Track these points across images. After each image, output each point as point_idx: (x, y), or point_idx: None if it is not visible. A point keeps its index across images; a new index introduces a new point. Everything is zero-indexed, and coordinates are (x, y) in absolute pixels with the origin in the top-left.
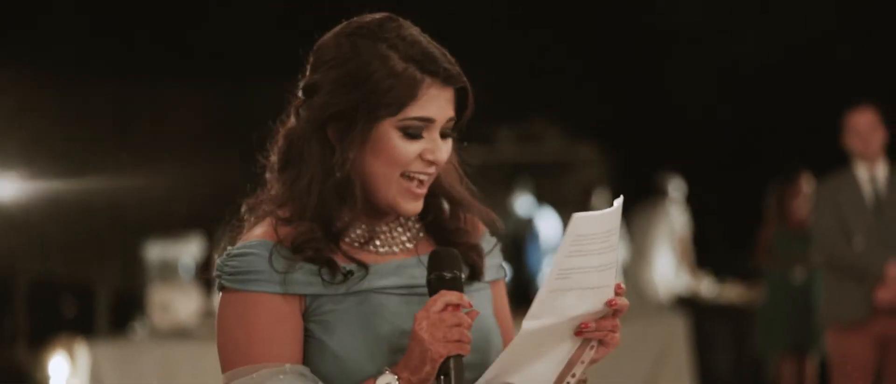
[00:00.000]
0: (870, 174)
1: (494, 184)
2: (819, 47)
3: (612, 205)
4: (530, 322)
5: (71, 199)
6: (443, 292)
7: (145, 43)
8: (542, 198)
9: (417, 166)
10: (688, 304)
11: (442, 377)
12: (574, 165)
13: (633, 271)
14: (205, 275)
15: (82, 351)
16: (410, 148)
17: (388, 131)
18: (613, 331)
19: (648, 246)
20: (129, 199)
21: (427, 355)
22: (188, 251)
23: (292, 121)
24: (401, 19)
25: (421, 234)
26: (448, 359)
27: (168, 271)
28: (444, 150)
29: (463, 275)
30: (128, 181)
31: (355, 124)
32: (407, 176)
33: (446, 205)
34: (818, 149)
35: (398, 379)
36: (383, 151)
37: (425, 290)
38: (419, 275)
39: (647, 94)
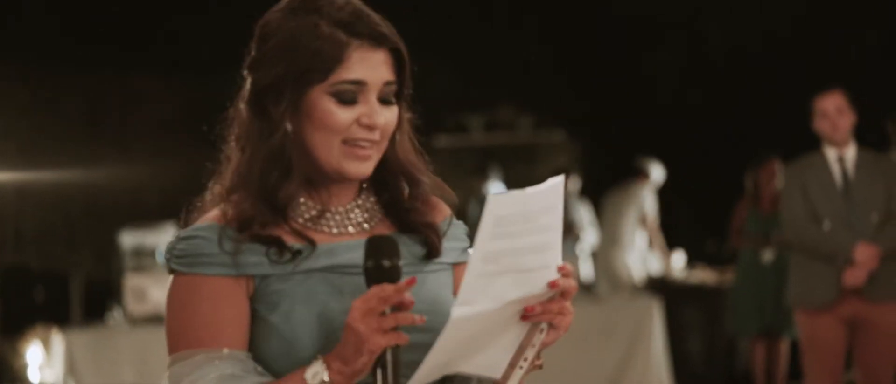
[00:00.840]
0: (839, 157)
1: (466, 170)
2: (790, 32)
3: (581, 189)
4: (460, 309)
5: (43, 190)
6: (377, 287)
7: (114, 34)
8: (514, 183)
9: (356, 132)
10: (660, 287)
11: (379, 369)
12: (544, 151)
13: (605, 254)
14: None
15: (57, 339)
16: (345, 114)
17: (321, 97)
18: (562, 314)
19: (620, 229)
20: (102, 189)
21: (364, 347)
22: (163, 239)
23: (239, 103)
24: None
25: (377, 215)
26: (385, 350)
27: (143, 259)
28: (383, 114)
29: (401, 263)
30: (100, 171)
31: (284, 93)
32: (348, 143)
33: (405, 186)
34: (790, 133)
35: (329, 368)
36: (318, 119)
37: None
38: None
39: (618, 80)
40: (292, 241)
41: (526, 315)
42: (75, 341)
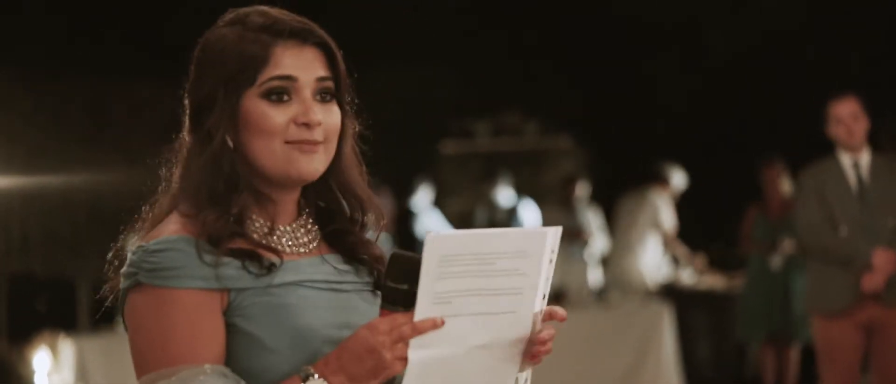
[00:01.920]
0: (853, 162)
1: (473, 176)
2: (795, 36)
3: (590, 195)
4: (416, 352)
5: (49, 196)
6: (407, 316)
7: (120, 38)
8: (521, 189)
9: (295, 133)
10: (669, 293)
11: None
12: (551, 156)
13: (617, 260)
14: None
15: (66, 346)
16: (280, 114)
17: (254, 102)
18: (544, 346)
19: (632, 235)
20: (108, 195)
21: (383, 372)
22: None
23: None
24: (270, 6)
25: (318, 237)
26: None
27: None
28: (320, 112)
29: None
30: (106, 176)
31: (216, 103)
32: (290, 143)
33: (346, 207)
34: (796, 137)
35: (328, 382)
36: (254, 124)
37: (343, 287)
38: (330, 272)
39: (624, 85)
40: (262, 255)
41: (528, 358)
42: (86, 347)
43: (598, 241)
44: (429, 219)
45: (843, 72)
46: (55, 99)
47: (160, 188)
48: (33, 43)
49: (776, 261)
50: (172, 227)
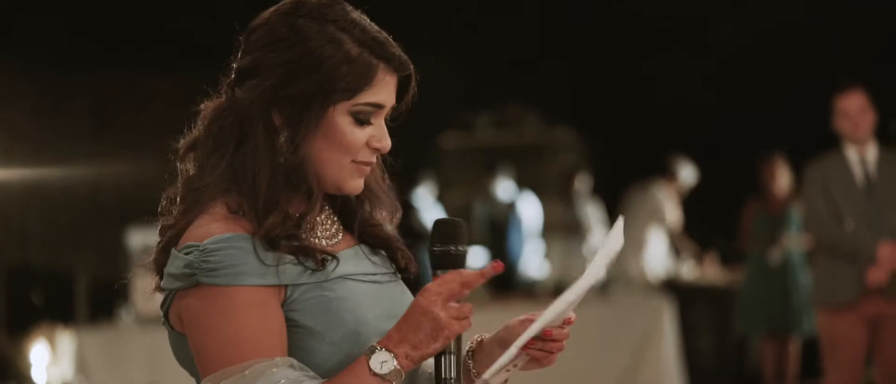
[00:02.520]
0: (860, 156)
1: (473, 169)
2: (798, 30)
3: (591, 188)
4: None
5: (50, 189)
6: (461, 272)
7: (123, 33)
8: (522, 182)
9: (364, 155)
10: (670, 287)
11: (444, 356)
12: (552, 150)
13: (619, 255)
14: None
15: (65, 338)
16: (360, 134)
17: (341, 117)
18: (551, 353)
19: (635, 230)
20: (109, 188)
21: (441, 333)
22: None
23: (222, 101)
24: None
25: (342, 229)
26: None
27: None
28: (388, 137)
29: (466, 251)
30: (107, 170)
31: (309, 109)
32: (356, 162)
33: (366, 203)
34: (799, 131)
35: (394, 354)
36: (334, 137)
37: (383, 278)
38: (369, 264)
39: (625, 79)
40: (317, 251)
41: (527, 346)
42: (85, 340)
43: (599, 235)
44: (431, 214)
45: (848, 66)
46: (57, 93)
47: (186, 180)
48: (35, 37)
49: (776, 256)
50: (221, 225)
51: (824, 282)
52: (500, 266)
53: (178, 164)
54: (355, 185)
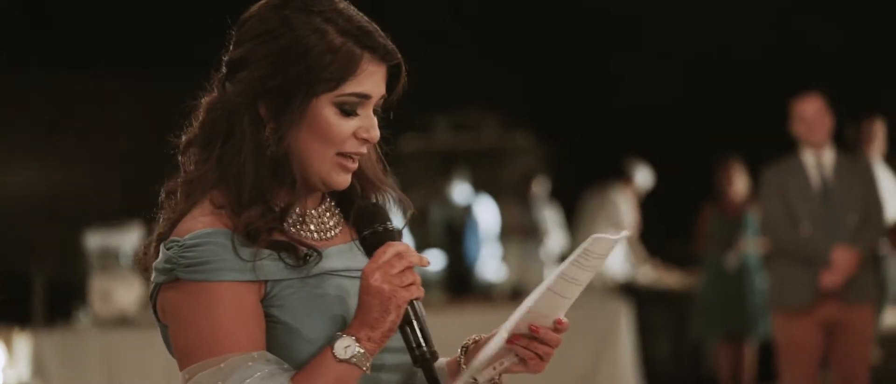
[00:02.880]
0: (817, 160)
1: (431, 172)
2: (756, 34)
3: (549, 192)
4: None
5: (7, 190)
6: (390, 243)
7: (81, 32)
8: (479, 186)
9: (351, 145)
10: (627, 291)
11: (408, 327)
12: (510, 153)
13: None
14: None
15: (22, 340)
16: (346, 125)
17: (325, 108)
18: (541, 358)
19: (591, 233)
20: (66, 190)
21: (390, 304)
22: (128, 240)
23: (214, 95)
24: None
25: (343, 222)
26: (407, 309)
27: (108, 260)
28: (376, 128)
29: (393, 227)
30: (65, 171)
31: (293, 100)
32: (341, 155)
33: (358, 187)
34: (756, 135)
35: (356, 339)
36: (319, 128)
37: None
38: (362, 260)
39: (584, 82)
40: (298, 246)
41: (512, 340)
42: (43, 342)
43: (556, 239)
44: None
45: (806, 71)
46: (14, 94)
47: (179, 176)
48: None
49: (732, 260)
50: (204, 220)
51: (780, 286)
52: (426, 261)
53: (180, 159)
54: (340, 179)
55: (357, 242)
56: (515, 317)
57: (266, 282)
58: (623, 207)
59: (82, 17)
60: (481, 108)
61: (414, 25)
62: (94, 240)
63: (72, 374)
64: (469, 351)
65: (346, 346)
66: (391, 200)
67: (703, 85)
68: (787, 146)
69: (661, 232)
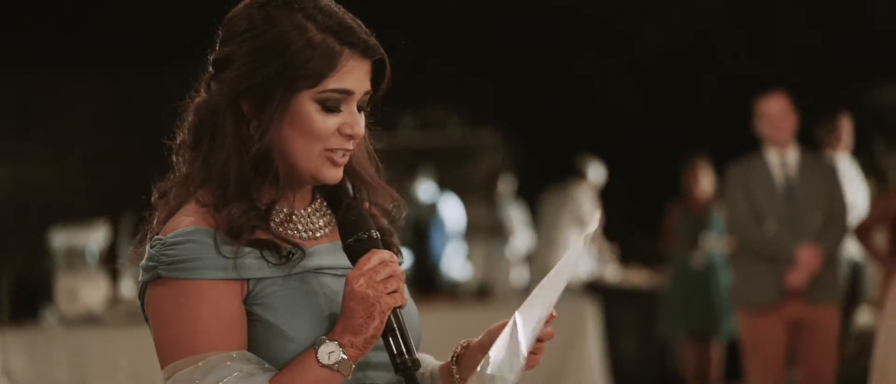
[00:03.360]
0: (781, 159)
1: (396, 170)
2: (722, 34)
3: (515, 190)
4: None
5: None
6: (374, 251)
7: (47, 29)
8: (445, 184)
9: (336, 141)
10: (594, 289)
11: (390, 336)
12: (476, 151)
13: (541, 257)
14: (111, 262)
15: None
16: (328, 122)
17: (306, 104)
18: (535, 354)
19: (555, 231)
20: (32, 188)
21: (374, 310)
22: (94, 238)
23: (202, 96)
24: None
25: (332, 220)
26: (390, 317)
27: (74, 258)
28: (361, 124)
29: (376, 234)
30: (30, 169)
31: (272, 97)
32: (328, 150)
33: (350, 187)
34: (725, 133)
35: (340, 345)
36: (302, 125)
37: None
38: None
39: (551, 80)
40: (281, 244)
41: None
42: (9, 341)
43: (523, 237)
44: None
45: (770, 68)
46: None
47: (170, 175)
48: None
49: (698, 258)
50: (189, 219)
51: (745, 285)
52: (395, 257)
53: (174, 159)
54: (330, 173)
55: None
56: (532, 328)
57: (248, 280)
58: (585, 203)
59: (48, 15)
60: (447, 107)
61: (379, 22)
62: (60, 239)
63: (39, 373)
64: (459, 358)
65: (329, 352)
66: (384, 199)
67: (669, 83)
68: (752, 145)
69: (627, 230)
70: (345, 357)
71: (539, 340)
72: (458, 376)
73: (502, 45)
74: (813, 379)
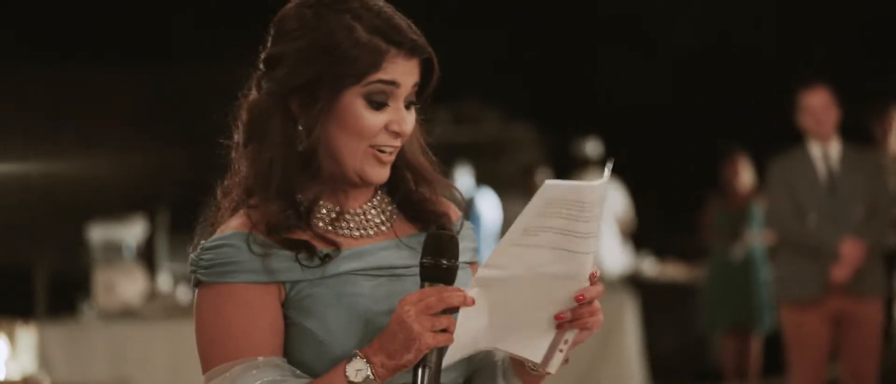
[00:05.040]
0: (823, 153)
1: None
2: (758, 24)
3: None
4: (485, 270)
5: (7, 183)
6: (442, 287)
7: (80, 25)
8: (480, 179)
9: (383, 139)
10: (632, 283)
11: (420, 369)
12: (511, 146)
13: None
14: (148, 256)
15: (27, 333)
16: (376, 118)
17: (353, 101)
18: (593, 315)
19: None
20: (66, 183)
21: (413, 345)
22: (131, 233)
23: (253, 94)
24: None
25: (394, 216)
26: (431, 351)
27: (112, 253)
28: (409, 121)
29: (456, 265)
30: (65, 165)
31: (320, 96)
32: (373, 147)
33: (410, 178)
34: (760, 127)
35: (370, 363)
36: (348, 123)
37: (406, 272)
38: (398, 257)
39: (586, 75)
40: (319, 245)
41: (559, 322)
42: (48, 335)
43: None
44: None
45: (810, 61)
46: (14, 87)
47: (230, 175)
48: None
49: (738, 252)
50: (234, 222)
51: (788, 279)
52: (472, 300)
53: (233, 156)
54: (377, 172)
55: (403, 240)
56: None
57: (285, 283)
58: (613, 195)
59: (84, 8)
60: (481, 101)
61: (409, 17)
62: (98, 234)
63: (77, 366)
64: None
65: (358, 369)
66: (443, 190)
67: (703, 77)
68: (790, 138)
69: (663, 225)
70: (372, 376)
71: (586, 304)
72: (530, 364)
73: (536, 39)
74: (855, 373)
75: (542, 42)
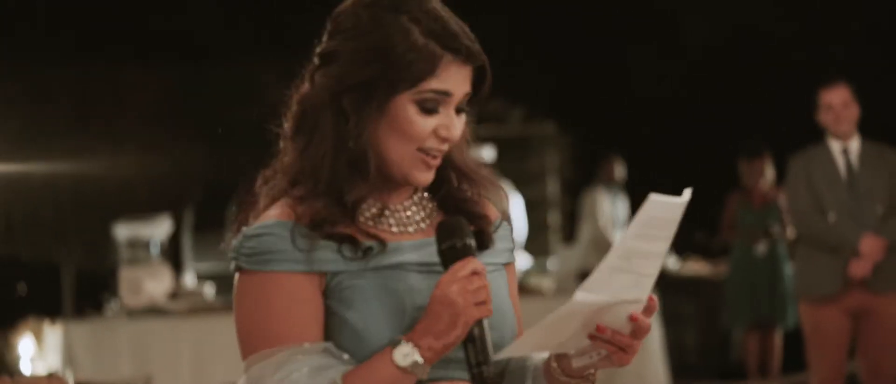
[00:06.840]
0: (843, 149)
1: None
2: (776, 23)
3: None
4: (583, 294)
5: (34, 182)
6: (469, 259)
7: (105, 24)
8: (505, 177)
9: (432, 143)
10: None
11: (469, 344)
12: (535, 144)
13: (599, 248)
14: (173, 254)
15: (53, 331)
16: (426, 123)
17: (405, 105)
18: (625, 351)
19: (609, 225)
20: (92, 181)
21: (459, 319)
22: (157, 231)
23: (306, 87)
24: None
25: (434, 214)
26: (473, 326)
27: (138, 251)
28: (458, 126)
29: (472, 243)
30: (90, 162)
31: (373, 97)
32: (422, 151)
33: (454, 177)
34: (779, 123)
35: (417, 347)
36: (399, 126)
37: (442, 270)
38: (435, 254)
39: (608, 74)
40: (362, 239)
41: (595, 335)
42: (73, 333)
43: (587, 228)
44: None
45: (830, 59)
46: (40, 85)
47: (275, 164)
48: (17, 31)
49: (761, 249)
50: (275, 211)
51: (807, 275)
52: (482, 268)
53: (281, 144)
54: (423, 176)
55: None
56: (597, 297)
57: (325, 274)
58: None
59: (110, 7)
60: (505, 99)
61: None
62: (123, 232)
63: (102, 364)
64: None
65: (405, 354)
66: (487, 190)
67: (723, 74)
68: (811, 136)
69: (683, 223)
70: (420, 360)
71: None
72: (554, 364)
73: (559, 36)
74: (875, 368)
75: (566, 39)
